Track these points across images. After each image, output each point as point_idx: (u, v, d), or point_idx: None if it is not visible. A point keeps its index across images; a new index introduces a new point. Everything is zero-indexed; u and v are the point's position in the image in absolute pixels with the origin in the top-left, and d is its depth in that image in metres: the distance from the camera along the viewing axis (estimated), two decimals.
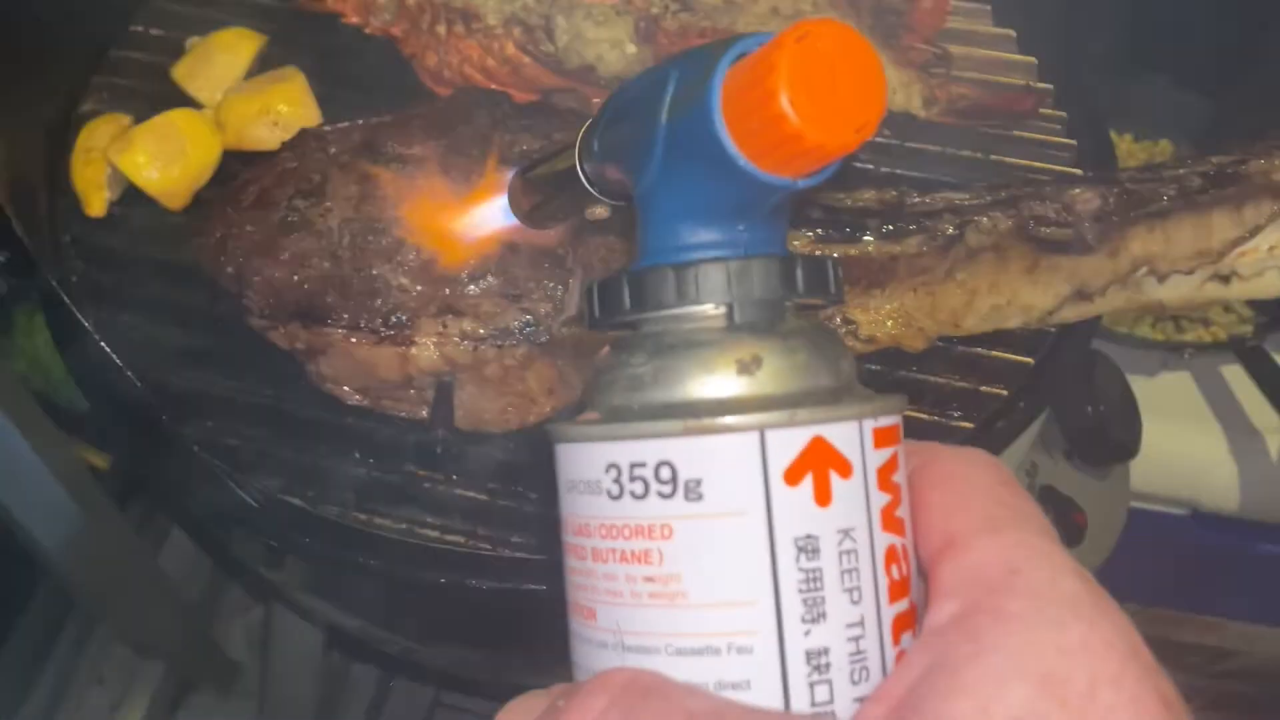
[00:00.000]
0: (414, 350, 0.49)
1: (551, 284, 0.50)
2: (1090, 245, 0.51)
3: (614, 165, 0.27)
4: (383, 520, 0.50)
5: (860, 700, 0.22)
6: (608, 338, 0.26)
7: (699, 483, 0.22)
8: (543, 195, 0.33)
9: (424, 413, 0.50)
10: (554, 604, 0.49)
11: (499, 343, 0.49)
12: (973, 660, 0.21)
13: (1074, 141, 0.63)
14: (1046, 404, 0.55)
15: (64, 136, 0.59)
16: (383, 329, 0.49)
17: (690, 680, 0.22)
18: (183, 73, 0.62)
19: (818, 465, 0.22)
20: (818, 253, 0.51)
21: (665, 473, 0.22)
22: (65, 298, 0.49)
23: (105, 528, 0.58)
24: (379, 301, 0.49)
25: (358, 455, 0.51)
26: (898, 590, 0.23)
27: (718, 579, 0.22)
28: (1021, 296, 0.52)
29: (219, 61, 0.62)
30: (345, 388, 0.50)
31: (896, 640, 0.23)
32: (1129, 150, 1.02)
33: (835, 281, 0.25)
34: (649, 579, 0.22)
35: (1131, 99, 0.98)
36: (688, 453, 0.22)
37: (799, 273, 0.24)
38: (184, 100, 0.61)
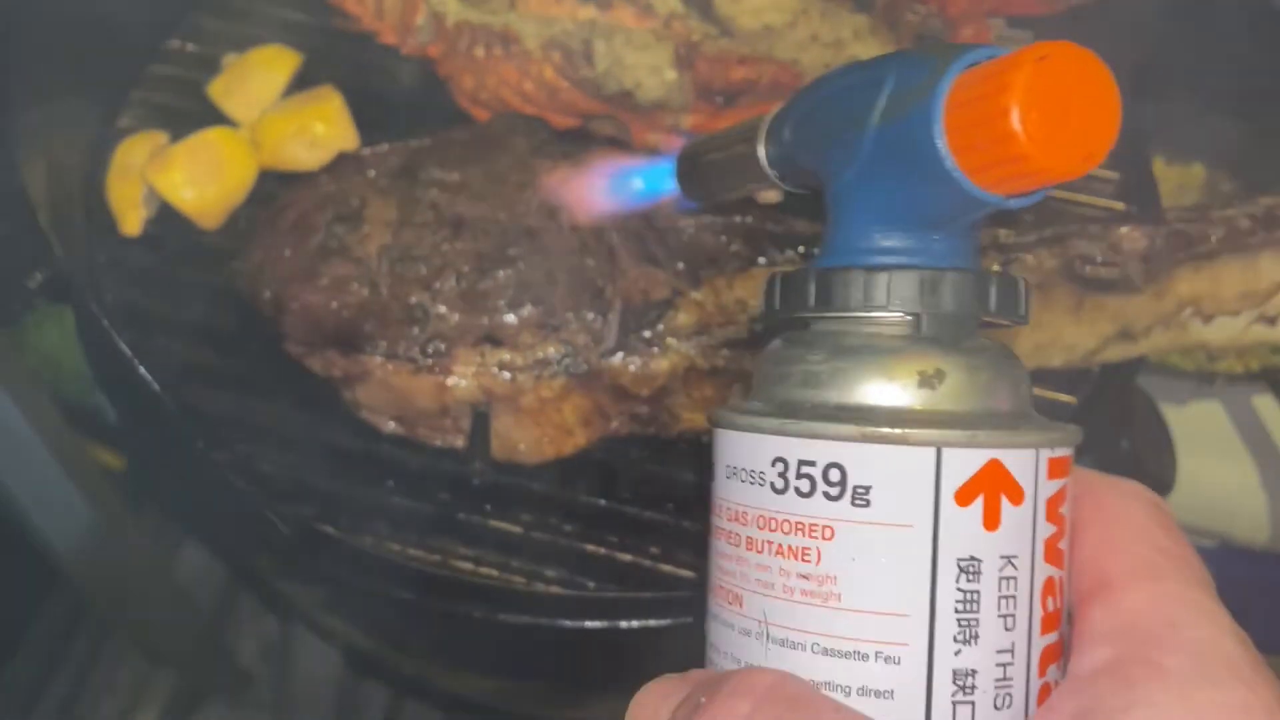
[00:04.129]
0: (452, 380, 0.49)
1: (590, 315, 0.49)
2: (1136, 285, 0.50)
3: (806, 157, 0.26)
4: (416, 551, 0.49)
5: None
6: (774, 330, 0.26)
7: (868, 490, 0.22)
8: (711, 173, 0.32)
9: (459, 442, 0.50)
10: (585, 639, 0.48)
11: (536, 373, 0.49)
12: (1124, 713, 0.20)
13: (1116, 174, 0.62)
14: (1087, 449, 0.54)
15: (101, 154, 0.59)
16: (420, 358, 0.49)
17: (832, 681, 0.22)
18: (219, 90, 0.62)
19: (990, 489, 0.22)
20: None
21: (834, 475, 0.22)
22: (104, 322, 0.49)
23: (119, 532, 0.58)
24: (417, 330, 0.49)
25: (392, 484, 0.51)
26: (1050, 622, 0.23)
27: (875, 587, 0.22)
28: (1065, 335, 0.51)
29: (256, 80, 0.62)
30: (381, 416, 0.50)
31: (1043, 672, 0.23)
32: (1161, 173, 1.00)
33: (1025, 303, 0.24)
34: (804, 576, 0.22)
35: (1163, 121, 0.96)
36: (861, 459, 0.22)
37: (992, 290, 0.24)
38: (220, 117, 0.61)
